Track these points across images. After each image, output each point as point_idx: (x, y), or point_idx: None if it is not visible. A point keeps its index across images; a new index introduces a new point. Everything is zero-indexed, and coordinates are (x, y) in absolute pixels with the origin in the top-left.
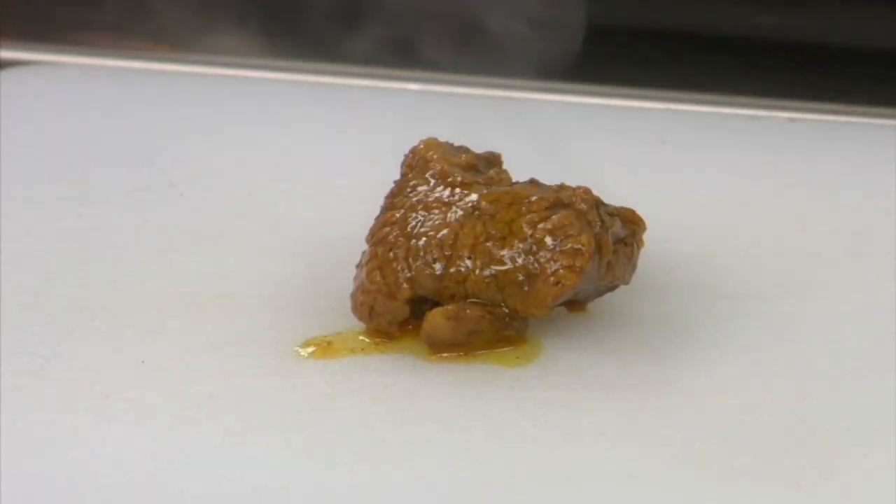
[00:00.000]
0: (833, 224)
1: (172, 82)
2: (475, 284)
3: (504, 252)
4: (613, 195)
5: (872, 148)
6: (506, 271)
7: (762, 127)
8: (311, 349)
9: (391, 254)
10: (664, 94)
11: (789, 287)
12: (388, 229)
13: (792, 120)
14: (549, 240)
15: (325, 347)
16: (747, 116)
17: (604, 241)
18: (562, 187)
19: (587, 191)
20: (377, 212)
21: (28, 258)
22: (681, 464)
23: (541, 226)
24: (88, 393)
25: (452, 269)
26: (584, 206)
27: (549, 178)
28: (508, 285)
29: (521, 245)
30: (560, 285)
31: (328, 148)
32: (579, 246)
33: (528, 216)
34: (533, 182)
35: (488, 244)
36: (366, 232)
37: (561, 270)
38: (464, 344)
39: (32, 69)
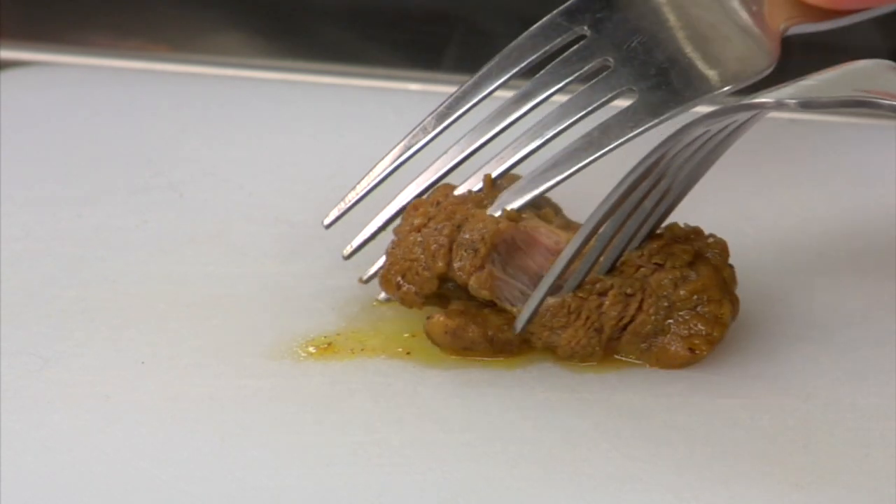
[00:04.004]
0: (833, 224)
1: (172, 82)
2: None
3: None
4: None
5: (872, 148)
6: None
7: (762, 127)
8: (311, 349)
9: (433, 229)
10: None
11: (789, 287)
12: (433, 210)
13: (792, 120)
14: (688, 299)
15: (325, 348)
16: None
17: (735, 302)
18: (696, 233)
19: (724, 247)
20: (377, 212)
21: (28, 258)
22: (681, 464)
23: (682, 291)
24: (88, 393)
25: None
26: (720, 262)
27: None
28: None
29: (655, 300)
30: (694, 354)
31: (328, 148)
32: (720, 315)
33: (670, 273)
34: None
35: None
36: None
37: (696, 339)
38: (458, 354)
39: (32, 69)
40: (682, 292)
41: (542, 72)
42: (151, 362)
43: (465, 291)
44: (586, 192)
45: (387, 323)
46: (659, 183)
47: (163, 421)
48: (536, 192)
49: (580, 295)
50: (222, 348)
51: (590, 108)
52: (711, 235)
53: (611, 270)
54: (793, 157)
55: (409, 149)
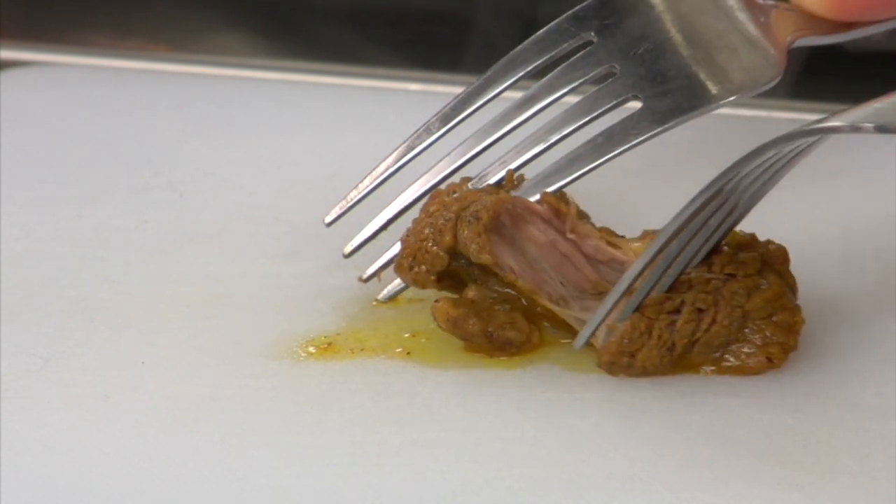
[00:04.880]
0: (833, 224)
1: (172, 82)
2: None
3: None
4: (613, 198)
5: (872, 148)
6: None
7: (762, 127)
8: (311, 349)
9: (443, 210)
10: None
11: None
12: (448, 200)
13: (792, 120)
14: (763, 308)
15: (325, 348)
16: (747, 117)
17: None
18: (755, 241)
19: (785, 254)
20: (377, 212)
21: (28, 258)
22: (681, 464)
23: (756, 299)
24: (88, 393)
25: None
26: (783, 269)
27: None
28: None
29: (729, 311)
30: (772, 363)
31: (328, 148)
32: (794, 323)
33: (743, 283)
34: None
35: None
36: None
37: (772, 348)
38: (464, 345)
39: (32, 69)
40: (756, 301)
41: (547, 76)
42: (151, 362)
43: (479, 270)
44: (590, 196)
45: (387, 323)
46: (726, 202)
47: (163, 421)
48: (539, 196)
49: (648, 315)
50: (222, 348)
51: (595, 114)
52: (770, 242)
53: (669, 289)
54: None
55: (412, 149)
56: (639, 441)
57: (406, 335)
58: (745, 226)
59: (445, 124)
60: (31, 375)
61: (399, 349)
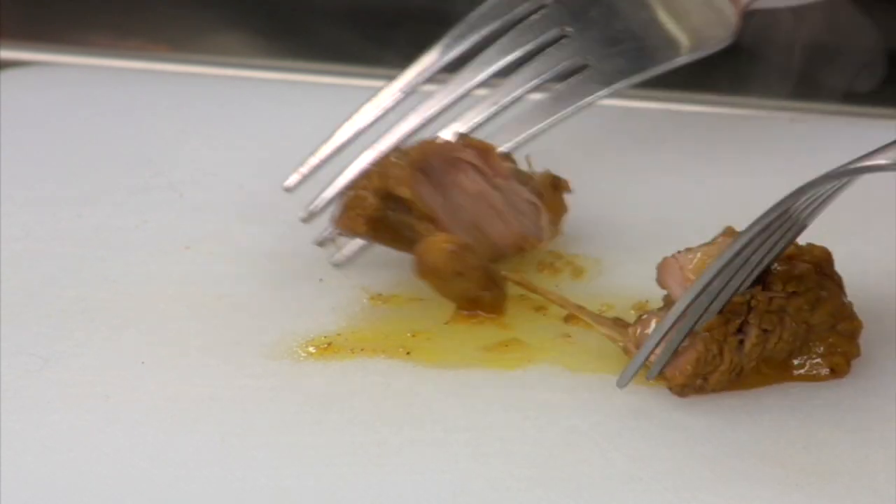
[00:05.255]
0: (833, 224)
1: (172, 82)
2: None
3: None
4: (611, 196)
5: (872, 148)
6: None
7: (762, 127)
8: (311, 349)
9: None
10: (664, 94)
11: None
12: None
13: (792, 120)
14: (827, 320)
15: (324, 348)
16: (747, 116)
17: None
18: (799, 248)
19: (830, 257)
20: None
21: (28, 258)
22: (681, 465)
23: (819, 311)
24: (88, 393)
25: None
26: (830, 272)
27: None
28: None
29: (794, 328)
30: (835, 373)
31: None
32: (854, 330)
33: (805, 297)
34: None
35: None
36: None
37: (836, 358)
38: (444, 280)
39: (32, 69)
40: (821, 314)
41: (500, 39)
42: (151, 362)
43: (416, 220)
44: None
45: (387, 323)
46: (772, 235)
47: (163, 421)
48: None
49: (716, 338)
50: (222, 348)
51: (544, 77)
52: (812, 245)
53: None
54: (793, 156)
55: (370, 115)
56: (639, 441)
57: (406, 335)
58: None
59: (401, 91)
60: (31, 375)
61: (399, 349)
